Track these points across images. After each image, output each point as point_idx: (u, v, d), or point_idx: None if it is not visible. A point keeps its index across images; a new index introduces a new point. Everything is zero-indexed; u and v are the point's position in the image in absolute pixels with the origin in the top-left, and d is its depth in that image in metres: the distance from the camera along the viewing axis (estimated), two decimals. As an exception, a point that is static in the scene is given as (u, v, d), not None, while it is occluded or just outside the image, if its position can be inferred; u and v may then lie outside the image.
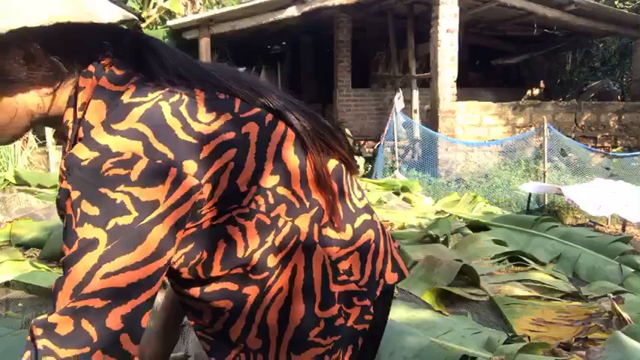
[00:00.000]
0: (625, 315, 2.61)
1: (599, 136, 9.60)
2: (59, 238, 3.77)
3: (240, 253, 0.78)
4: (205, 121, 0.74)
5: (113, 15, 0.75)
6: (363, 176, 8.59)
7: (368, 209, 0.94)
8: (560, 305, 3.08)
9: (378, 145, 9.15)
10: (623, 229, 5.59)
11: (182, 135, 0.71)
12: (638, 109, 9.68)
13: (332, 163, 0.89)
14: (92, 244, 0.65)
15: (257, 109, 0.81)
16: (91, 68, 0.75)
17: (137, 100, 0.72)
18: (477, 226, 4.72)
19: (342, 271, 0.87)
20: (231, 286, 0.81)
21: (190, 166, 0.71)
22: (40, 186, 5.84)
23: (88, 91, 0.74)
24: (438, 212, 5.51)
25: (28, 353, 0.66)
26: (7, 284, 2.92)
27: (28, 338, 0.67)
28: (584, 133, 9.53)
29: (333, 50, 11.14)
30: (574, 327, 2.70)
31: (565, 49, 12.23)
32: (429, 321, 2.66)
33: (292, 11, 8.63)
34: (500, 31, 11.25)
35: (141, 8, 9.21)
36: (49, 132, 7.57)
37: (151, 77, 0.76)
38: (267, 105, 0.82)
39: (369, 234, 0.92)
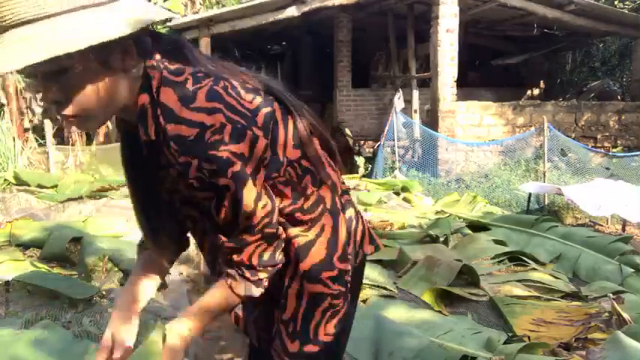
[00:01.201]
0: (625, 315, 2.61)
1: (599, 136, 9.60)
2: (59, 239, 3.78)
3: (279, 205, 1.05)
4: (248, 99, 0.97)
5: (165, 14, 0.96)
6: (363, 176, 8.59)
7: (347, 192, 1.19)
8: (560, 305, 3.08)
9: (378, 145, 9.15)
10: (623, 229, 5.60)
11: (240, 107, 0.95)
12: (638, 109, 9.67)
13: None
14: (226, 188, 0.95)
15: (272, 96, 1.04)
16: (154, 63, 0.96)
17: (197, 86, 0.94)
18: (477, 226, 4.72)
19: None
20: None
21: (258, 131, 0.96)
22: (40, 186, 5.83)
23: (156, 80, 0.95)
24: (438, 212, 5.50)
25: (242, 285, 1.03)
26: (7, 284, 2.91)
27: (232, 272, 1.03)
28: (584, 133, 9.53)
29: (333, 50, 11.13)
30: (574, 327, 2.70)
31: (565, 49, 12.22)
32: (429, 321, 2.66)
33: (292, 11, 8.63)
34: (500, 31, 11.25)
35: (141, 8, 9.20)
36: (49, 132, 7.57)
37: (196, 69, 0.98)
38: (276, 96, 1.05)
39: (350, 211, 1.17)
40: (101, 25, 0.86)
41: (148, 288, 1.23)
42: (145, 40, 0.96)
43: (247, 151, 0.94)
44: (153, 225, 1.18)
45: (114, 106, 0.97)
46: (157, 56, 0.97)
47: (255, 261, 1.02)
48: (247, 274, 1.03)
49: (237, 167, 0.94)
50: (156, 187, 1.09)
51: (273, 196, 1.03)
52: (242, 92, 0.97)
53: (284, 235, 1.06)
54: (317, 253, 1.08)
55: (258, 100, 0.98)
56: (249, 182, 0.96)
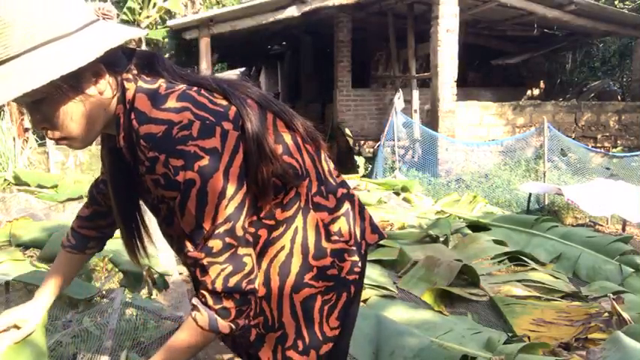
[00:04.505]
0: (625, 315, 2.61)
1: (599, 136, 9.60)
2: (59, 239, 3.76)
3: (259, 203, 1.06)
4: (220, 99, 1.02)
5: (131, 33, 1.00)
6: (363, 176, 8.58)
7: (344, 185, 1.21)
8: (560, 305, 3.08)
9: (378, 145, 9.15)
10: (623, 229, 5.59)
11: (212, 105, 1.00)
12: (638, 109, 9.67)
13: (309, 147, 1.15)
14: (191, 183, 0.95)
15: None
16: (130, 76, 1.02)
17: (170, 90, 1.01)
18: (476, 226, 4.72)
19: (333, 233, 1.14)
20: (250, 229, 1.06)
21: (228, 125, 0.98)
22: (40, 186, 5.83)
23: (131, 91, 1.01)
24: (438, 212, 5.51)
25: (205, 316, 1.00)
26: (7, 284, 2.91)
27: (195, 300, 1.02)
28: (584, 133, 9.53)
29: (333, 50, 11.12)
30: (574, 327, 2.70)
31: (565, 49, 12.22)
32: (429, 321, 2.66)
33: (292, 11, 8.63)
34: (500, 31, 11.24)
35: (141, 8, 9.19)
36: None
37: (169, 78, 1.05)
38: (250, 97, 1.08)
39: (347, 205, 1.18)
40: (64, 58, 0.91)
41: (55, 287, 1.33)
42: (118, 59, 1.02)
43: (219, 146, 0.96)
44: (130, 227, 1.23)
45: (97, 125, 1.03)
46: (133, 70, 1.03)
47: (218, 285, 1.00)
48: (210, 300, 1.00)
49: (205, 161, 0.94)
50: (134, 194, 1.15)
51: (245, 211, 1.01)
52: (214, 94, 1.03)
53: (255, 271, 1.03)
54: (296, 261, 1.10)
55: (229, 101, 1.04)
56: (216, 178, 0.96)
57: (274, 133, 1.07)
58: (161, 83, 1.03)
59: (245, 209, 1.01)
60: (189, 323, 1.03)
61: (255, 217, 1.07)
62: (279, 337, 1.12)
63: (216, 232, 0.98)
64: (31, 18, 0.90)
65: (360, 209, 1.23)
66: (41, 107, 0.97)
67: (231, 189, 0.98)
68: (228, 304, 1.01)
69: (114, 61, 1.01)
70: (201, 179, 0.95)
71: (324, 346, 1.13)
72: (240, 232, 1.00)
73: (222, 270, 0.99)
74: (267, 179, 1.03)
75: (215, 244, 0.99)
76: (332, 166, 1.21)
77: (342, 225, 1.15)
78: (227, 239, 0.99)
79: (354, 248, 1.16)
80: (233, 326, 1.02)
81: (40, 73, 0.90)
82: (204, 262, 1.00)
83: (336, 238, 1.14)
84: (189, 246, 1.01)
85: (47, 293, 1.33)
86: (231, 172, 0.97)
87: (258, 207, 1.06)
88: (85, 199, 1.40)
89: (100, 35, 0.96)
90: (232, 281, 1.00)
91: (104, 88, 1.00)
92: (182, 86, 1.02)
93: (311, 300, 1.12)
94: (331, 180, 1.18)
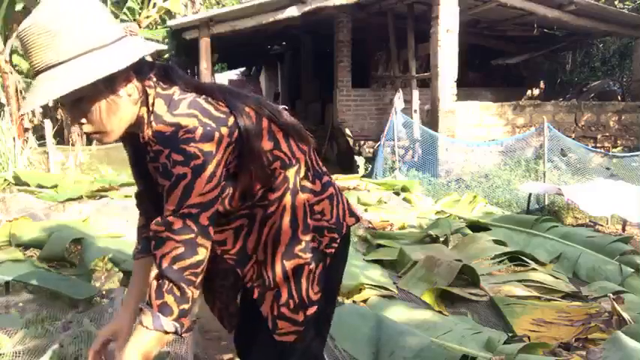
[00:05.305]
0: (625, 315, 2.61)
1: (599, 136, 9.60)
2: (59, 239, 3.77)
3: (253, 190, 1.28)
4: (222, 107, 1.23)
5: (156, 46, 1.23)
6: (363, 176, 8.58)
7: (328, 175, 1.42)
8: (560, 305, 3.08)
9: (378, 145, 9.14)
10: (623, 229, 5.60)
11: (216, 113, 1.21)
12: (638, 109, 9.67)
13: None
14: (183, 176, 1.15)
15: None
16: (151, 83, 1.23)
17: (182, 97, 1.22)
18: (477, 226, 4.72)
19: (316, 212, 1.35)
20: (245, 211, 1.30)
21: (225, 131, 1.20)
22: (40, 186, 5.83)
23: (152, 96, 1.22)
24: (438, 212, 5.50)
25: (149, 315, 1.14)
26: (7, 284, 2.91)
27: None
28: (584, 133, 9.52)
29: (333, 50, 11.12)
30: (574, 327, 2.70)
31: (565, 49, 12.21)
32: (429, 321, 2.66)
33: (292, 11, 8.63)
34: (500, 31, 11.24)
35: (141, 8, 9.18)
36: (48, 132, 7.57)
37: (182, 86, 1.25)
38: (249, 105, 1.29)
39: (331, 190, 1.40)
40: (101, 64, 1.12)
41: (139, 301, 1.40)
42: (143, 67, 1.22)
43: (214, 149, 1.16)
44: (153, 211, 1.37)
45: (124, 122, 1.22)
46: (153, 78, 1.23)
47: (164, 263, 1.15)
48: (152, 295, 1.14)
49: (199, 161, 1.15)
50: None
51: (216, 206, 1.19)
52: (219, 103, 1.22)
53: (202, 268, 1.17)
54: (286, 234, 1.30)
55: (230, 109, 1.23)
56: (204, 176, 1.15)
57: (268, 134, 1.28)
58: (175, 90, 1.23)
59: (216, 205, 1.19)
60: (137, 327, 1.16)
61: (249, 202, 1.29)
62: (275, 294, 1.31)
63: (180, 212, 1.15)
64: (73, 32, 1.11)
65: (341, 196, 1.43)
66: (80, 105, 1.18)
67: (210, 185, 1.16)
68: (168, 299, 1.15)
69: (139, 70, 1.21)
70: (192, 175, 1.14)
71: (310, 308, 1.32)
72: (203, 222, 1.17)
73: (175, 248, 1.15)
74: (254, 175, 1.25)
75: (175, 220, 1.15)
76: (318, 158, 1.42)
77: (325, 206, 1.36)
78: (188, 221, 1.15)
79: (335, 227, 1.37)
80: (177, 325, 1.15)
81: (81, 75, 1.10)
82: (163, 235, 1.16)
83: (318, 216, 1.35)
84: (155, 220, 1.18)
85: (131, 303, 1.42)
86: (217, 172, 1.17)
87: (252, 194, 1.28)
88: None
89: (130, 47, 1.17)
90: (177, 265, 1.15)
91: (132, 92, 1.20)
92: (192, 94, 1.22)
93: (300, 269, 1.31)
94: (318, 168, 1.39)
